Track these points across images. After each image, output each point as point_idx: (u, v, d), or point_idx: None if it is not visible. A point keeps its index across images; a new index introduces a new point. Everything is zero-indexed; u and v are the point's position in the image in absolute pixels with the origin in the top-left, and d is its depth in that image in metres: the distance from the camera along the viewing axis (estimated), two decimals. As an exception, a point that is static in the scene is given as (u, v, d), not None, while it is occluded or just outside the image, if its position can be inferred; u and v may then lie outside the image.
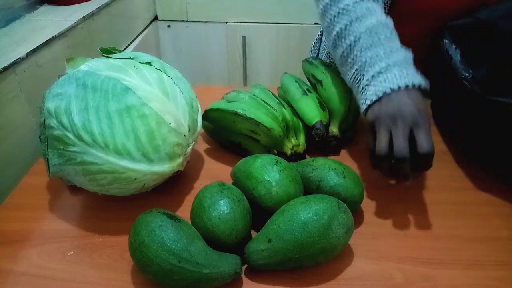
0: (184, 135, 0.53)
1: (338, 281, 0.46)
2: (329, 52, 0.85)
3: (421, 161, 0.49)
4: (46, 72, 0.72)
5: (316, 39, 0.93)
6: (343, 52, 0.57)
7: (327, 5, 0.59)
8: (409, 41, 0.57)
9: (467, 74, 0.54)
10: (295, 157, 0.61)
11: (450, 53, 0.58)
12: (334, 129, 0.63)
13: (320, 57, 0.91)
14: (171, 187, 0.59)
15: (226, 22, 1.43)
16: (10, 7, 0.81)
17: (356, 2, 0.57)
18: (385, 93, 0.51)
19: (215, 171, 0.62)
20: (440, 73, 0.64)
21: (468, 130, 0.60)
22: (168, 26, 1.47)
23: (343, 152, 0.66)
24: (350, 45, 0.56)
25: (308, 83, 0.71)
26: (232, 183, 0.54)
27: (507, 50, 0.53)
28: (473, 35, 0.59)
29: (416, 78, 0.51)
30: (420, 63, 0.56)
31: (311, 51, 0.95)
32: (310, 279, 0.46)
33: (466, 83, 0.54)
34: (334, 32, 0.58)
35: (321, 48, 0.92)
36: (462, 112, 0.60)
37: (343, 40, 0.57)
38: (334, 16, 0.58)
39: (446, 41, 0.60)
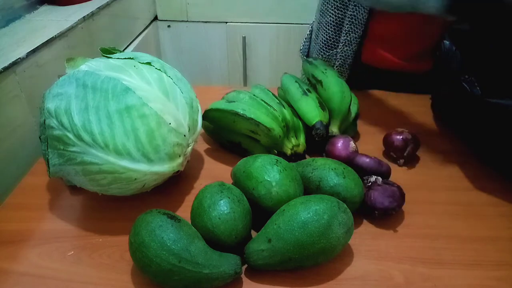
0: (184, 135, 0.53)
1: (338, 281, 0.46)
2: (319, 49, 0.84)
3: None
4: (46, 72, 0.72)
5: (306, 38, 0.93)
6: None
7: None
8: (393, 38, 0.57)
9: (466, 76, 0.54)
10: (295, 157, 0.61)
11: (450, 54, 0.58)
12: (334, 129, 0.63)
13: (310, 55, 0.92)
14: (171, 187, 0.59)
15: (226, 22, 1.43)
16: (10, 7, 0.81)
17: None
18: None
19: (215, 171, 0.62)
20: (440, 74, 0.64)
21: (468, 131, 0.60)
22: (168, 26, 1.47)
23: (343, 152, 0.66)
24: None
25: (308, 83, 0.71)
26: (232, 183, 0.53)
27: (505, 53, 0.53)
28: (472, 38, 0.59)
29: None
30: (406, 61, 0.56)
31: (301, 49, 0.95)
32: (310, 279, 0.45)
33: (465, 85, 0.54)
34: None
35: (311, 47, 0.92)
36: (462, 114, 0.60)
37: None
38: None
39: (446, 42, 0.61)
